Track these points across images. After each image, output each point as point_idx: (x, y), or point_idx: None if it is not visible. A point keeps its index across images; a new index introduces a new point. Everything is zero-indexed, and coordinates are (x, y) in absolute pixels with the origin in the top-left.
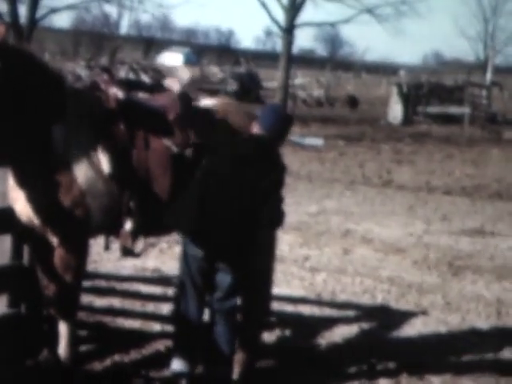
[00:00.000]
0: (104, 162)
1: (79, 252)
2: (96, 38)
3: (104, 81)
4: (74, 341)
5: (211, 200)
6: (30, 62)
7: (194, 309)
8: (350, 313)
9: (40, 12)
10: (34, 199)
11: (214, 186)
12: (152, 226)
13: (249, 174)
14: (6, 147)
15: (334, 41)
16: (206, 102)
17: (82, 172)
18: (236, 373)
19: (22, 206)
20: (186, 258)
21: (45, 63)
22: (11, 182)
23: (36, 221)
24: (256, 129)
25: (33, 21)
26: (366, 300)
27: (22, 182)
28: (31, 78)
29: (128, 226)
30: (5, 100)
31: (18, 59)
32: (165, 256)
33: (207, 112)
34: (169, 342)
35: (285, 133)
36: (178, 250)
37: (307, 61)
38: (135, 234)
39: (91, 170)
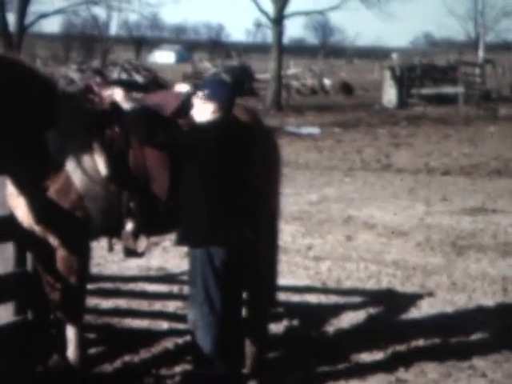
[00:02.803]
0: (100, 164)
1: (81, 254)
2: (86, 41)
3: (97, 83)
4: (82, 344)
5: (221, 196)
6: (18, 70)
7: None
8: (357, 299)
9: (29, 18)
10: (33, 205)
11: (220, 181)
12: (153, 226)
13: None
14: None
15: (324, 28)
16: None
17: (78, 176)
18: (246, 365)
19: (22, 212)
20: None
21: (35, 69)
22: (10, 189)
23: (37, 226)
24: (213, 107)
25: (22, 27)
26: (371, 285)
27: (21, 189)
28: (21, 86)
29: (129, 226)
30: None
31: (5, 68)
32: (168, 254)
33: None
34: (177, 340)
35: (235, 96)
36: (180, 247)
37: (299, 50)
38: (136, 234)
39: (88, 173)
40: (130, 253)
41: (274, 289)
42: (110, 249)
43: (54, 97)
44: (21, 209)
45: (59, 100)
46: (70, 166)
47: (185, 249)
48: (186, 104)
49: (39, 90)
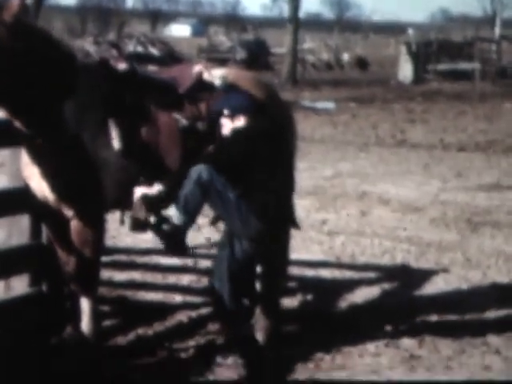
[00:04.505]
0: (114, 137)
1: (96, 226)
2: (102, 14)
3: (113, 56)
4: (96, 316)
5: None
6: (45, 39)
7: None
8: (371, 274)
9: None
10: (48, 176)
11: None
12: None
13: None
14: (23, 124)
15: (340, 3)
16: (216, 72)
17: (93, 148)
18: (260, 340)
19: (36, 182)
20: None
21: (58, 40)
22: (25, 159)
23: (51, 197)
24: (244, 120)
25: (39, 0)
26: (385, 261)
27: (37, 159)
28: (47, 55)
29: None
30: (23, 77)
31: (34, 36)
32: None
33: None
34: (191, 313)
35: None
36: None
37: (315, 25)
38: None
39: (103, 145)
40: (137, 226)
41: (287, 262)
42: (122, 222)
43: (73, 67)
44: (35, 179)
45: (78, 71)
46: (86, 138)
47: (197, 222)
48: (201, 82)
49: (60, 59)
